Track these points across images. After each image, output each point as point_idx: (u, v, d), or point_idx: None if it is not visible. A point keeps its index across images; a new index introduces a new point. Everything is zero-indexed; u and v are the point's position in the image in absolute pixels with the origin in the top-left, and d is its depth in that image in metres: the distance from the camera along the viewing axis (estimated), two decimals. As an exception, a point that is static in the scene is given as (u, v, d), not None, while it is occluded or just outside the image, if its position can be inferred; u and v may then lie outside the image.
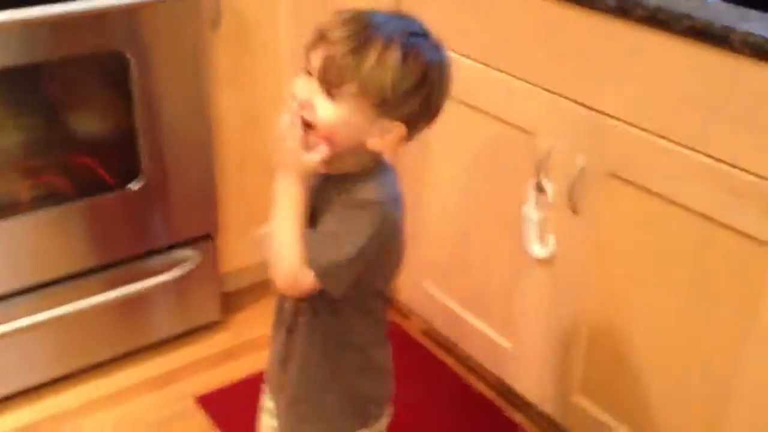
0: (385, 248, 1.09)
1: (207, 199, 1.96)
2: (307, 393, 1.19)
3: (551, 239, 1.50)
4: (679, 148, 1.25)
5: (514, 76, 1.50)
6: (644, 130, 1.30)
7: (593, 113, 1.37)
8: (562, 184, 1.45)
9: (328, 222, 1.07)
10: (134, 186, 1.83)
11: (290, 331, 1.18)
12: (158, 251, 1.92)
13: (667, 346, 1.37)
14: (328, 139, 1.04)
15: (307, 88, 1.04)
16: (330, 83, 1.02)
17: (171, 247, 1.94)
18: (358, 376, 1.19)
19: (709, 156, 1.21)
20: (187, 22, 1.77)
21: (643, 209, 1.33)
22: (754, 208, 1.17)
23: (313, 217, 1.09)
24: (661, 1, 1.23)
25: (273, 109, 1.99)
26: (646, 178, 1.31)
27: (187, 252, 1.96)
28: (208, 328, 2.07)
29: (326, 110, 1.03)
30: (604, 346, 1.48)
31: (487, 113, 1.58)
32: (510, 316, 1.66)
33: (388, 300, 1.20)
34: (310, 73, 1.04)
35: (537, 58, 1.45)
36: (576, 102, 1.40)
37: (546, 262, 1.52)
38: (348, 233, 1.05)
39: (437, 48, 1.05)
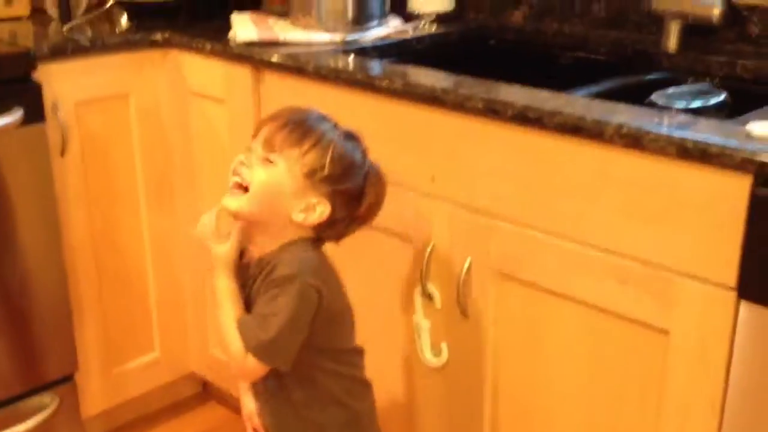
0: (322, 315, 1.17)
1: (64, 336, 1.80)
2: None
3: (444, 347, 1.45)
4: (560, 241, 1.25)
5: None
6: (524, 225, 1.29)
7: (472, 213, 1.36)
8: (448, 288, 1.42)
9: (258, 305, 1.17)
10: (-20, 331, 1.65)
11: (265, 402, 1.28)
12: (12, 400, 1.73)
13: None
14: (259, 199, 1.15)
15: (247, 153, 1.17)
16: (272, 147, 1.14)
17: (26, 395, 1.75)
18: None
19: (592, 246, 1.21)
20: (31, 151, 1.66)
21: (534, 305, 1.31)
22: (643, 294, 1.17)
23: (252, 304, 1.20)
24: (528, 100, 1.25)
25: (131, 233, 1.93)
26: (532, 274, 1.30)
27: (45, 398, 1.77)
28: (73, 482, 1.86)
29: (261, 171, 1.14)
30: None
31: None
32: (408, 430, 1.58)
33: (359, 352, 1.31)
34: (250, 149, 1.17)
35: (405, 161, 1.43)
36: (452, 202, 1.38)
37: (441, 370, 1.46)
38: (272, 312, 1.13)
39: (361, 148, 1.23)
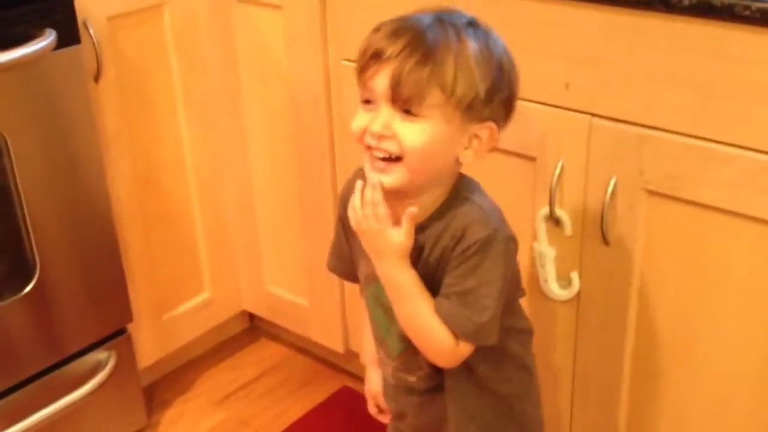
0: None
1: (117, 286, 1.60)
2: None
3: (575, 277, 1.28)
4: (742, 152, 1.06)
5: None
6: (692, 137, 1.10)
7: (617, 124, 1.16)
8: (581, 212, 1.24)
9: (454, 282, 0.96)
10: (27, 289, 1.44)
11: (428, 393, 1.07)
12: (68, 360, 1.55)
13: (742, 399, 1.18)
14: (421, 164, 0.93)
15: (378, 119, 0.91)
16: (408, 100, 0.90)
17: (82, 353, 1.57)
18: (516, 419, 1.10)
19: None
20: (67, 79, 1.42)
21: (701, 229, 1.13)
22: None
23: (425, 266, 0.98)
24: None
25: (174, 166, 1.71)
26: (700, 192, 1.12)
27: (101, 355, 1.59)
28: (134, 438, 1.71)
29: (413, 133, 0.90)
30: (651, 401, 1.28)
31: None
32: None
33: (522, 294, 1.10)
34: (370, 101, 0.92)
35: (532, 67, 1.21)
36: (592, 113, 1.19)
37: (569, 303, 1.30)
38: (481, 285, 0.95)
39: (492, 32, 0.96)
